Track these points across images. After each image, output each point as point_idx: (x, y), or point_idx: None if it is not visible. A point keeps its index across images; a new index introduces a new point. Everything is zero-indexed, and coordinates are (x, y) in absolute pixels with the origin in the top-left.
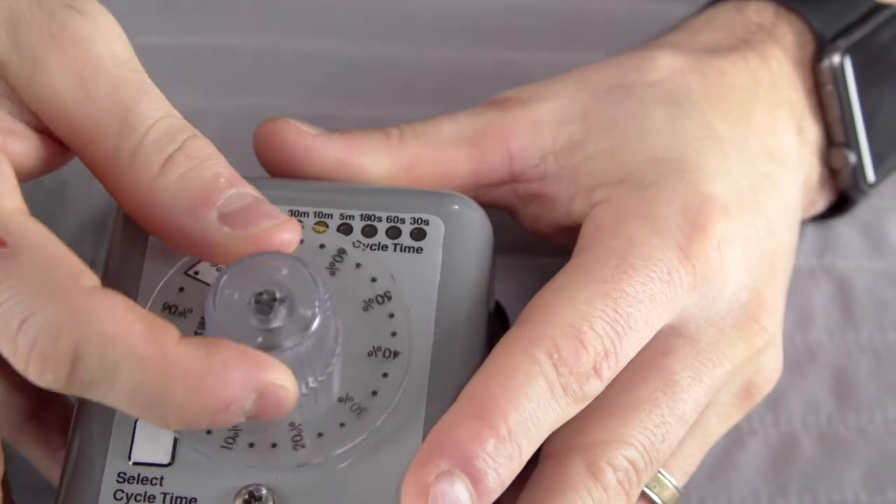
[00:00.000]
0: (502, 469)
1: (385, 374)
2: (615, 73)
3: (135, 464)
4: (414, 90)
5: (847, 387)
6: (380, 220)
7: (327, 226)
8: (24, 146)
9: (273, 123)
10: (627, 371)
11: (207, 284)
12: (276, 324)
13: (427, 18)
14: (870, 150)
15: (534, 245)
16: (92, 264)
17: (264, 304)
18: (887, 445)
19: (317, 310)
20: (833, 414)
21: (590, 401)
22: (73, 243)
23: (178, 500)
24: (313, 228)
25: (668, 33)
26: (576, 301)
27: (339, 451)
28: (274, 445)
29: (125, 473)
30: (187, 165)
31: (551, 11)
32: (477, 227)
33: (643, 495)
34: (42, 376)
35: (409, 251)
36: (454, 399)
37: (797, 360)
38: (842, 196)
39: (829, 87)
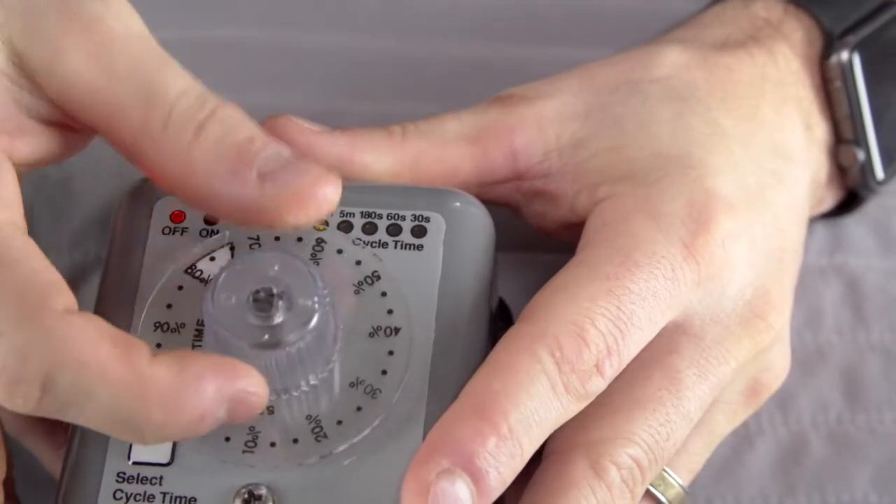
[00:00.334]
0: (503, 468)
1: (391, 352)
2: (621, 70)
3: (134, 463)
4: (422, 86)
5: (857, 386)
6: (380, 217)
7: (327, 223)
8: (33, 145)
9: (275, 120)
10: (631, 369)
11: (206, 282)
12: (277, 320)
13: (435, 15)
14: (878, 147)
15: (538, 242)
16: (96, 260)
17: (263, 301)
18: None
19: (316, 304)
20: (843, 413)
21: (592, 399)
22: (79, 239)
23: (178, 499)
24: (313, 226)
25: (676, 29)
26: (579, 298)
27: (360, 437)
28: (295, 441)
29: (125, 473)
30: (221, 130)
31: (560, 8)
32: (478, 223)
33: (648, 494)
34: (12, 399)
35: (409, 248)
36: (455, 396)
37: (807, 359)
38: (851, 194)
39: (838, 84)
